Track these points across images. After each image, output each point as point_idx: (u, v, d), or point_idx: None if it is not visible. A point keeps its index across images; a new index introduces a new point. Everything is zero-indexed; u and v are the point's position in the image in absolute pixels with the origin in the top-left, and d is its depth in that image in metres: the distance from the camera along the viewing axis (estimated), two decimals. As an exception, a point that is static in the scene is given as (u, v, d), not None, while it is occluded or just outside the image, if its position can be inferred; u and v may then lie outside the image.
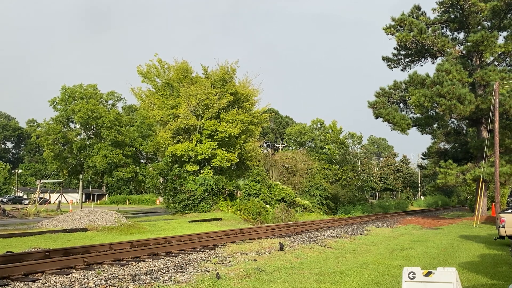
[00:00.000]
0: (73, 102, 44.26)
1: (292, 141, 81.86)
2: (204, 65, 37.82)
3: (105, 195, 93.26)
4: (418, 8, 36.79)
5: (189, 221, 26.35)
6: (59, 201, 45.39)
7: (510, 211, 16.52)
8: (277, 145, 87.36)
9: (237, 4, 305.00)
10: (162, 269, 10.46)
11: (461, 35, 37.63)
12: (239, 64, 37.72)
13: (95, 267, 10.72)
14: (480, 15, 33.82)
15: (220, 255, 12.93)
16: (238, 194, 38.52)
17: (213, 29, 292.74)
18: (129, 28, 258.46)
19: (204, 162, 34.74)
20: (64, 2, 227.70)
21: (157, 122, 37.62)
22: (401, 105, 37.78)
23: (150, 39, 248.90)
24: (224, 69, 36.43)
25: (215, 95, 34.27)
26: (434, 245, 16.14)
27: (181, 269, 10.59)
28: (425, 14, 36.96)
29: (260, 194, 35.62)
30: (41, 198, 48.96)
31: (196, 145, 34.11)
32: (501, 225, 15.05)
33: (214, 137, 34.21)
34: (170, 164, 35.43)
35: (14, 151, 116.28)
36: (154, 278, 9.49)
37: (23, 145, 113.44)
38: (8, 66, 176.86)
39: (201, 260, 11.91)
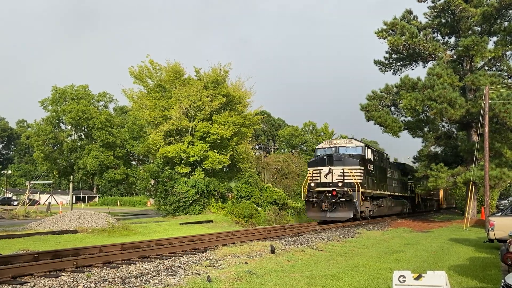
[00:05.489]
0: (64, 103, 43.94)
1: (284, 143, 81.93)
2: (196, 66, 37.68)
3: (96, 196, 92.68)
4: (410, 12, 37.04)
5: (180, 223, 26.25)
6: (49, 203, 45.04)
7: (499, 214, 16.68)
8: (269, 148, 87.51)
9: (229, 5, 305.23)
10: (153, 272, 10.39)
11: (452, 40, 37.96)
12: (231, 66, 37.67)
13: (85, 269, 10.62)
14: (471, 20, 34.12)
15: (211, 257, 12.87)
16: (230, 196, 38.46)
17: (200, 31, 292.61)
18: (117, 29, 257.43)
19: (195, 164, 34.63)
20: (54, 3, 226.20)
21: (149, 124, 37.45)
22: (393, 108, 37.93)
23: (137, 40, 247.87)
24: (217, 71, 36.37)
25: (208, 97, 34.20)
26: (424, 248, 16.21)
27: (171, 272, 10.53)
28: (417, 18, 37.22)
29: (251, 196, 35.59)
30: (30, 200, 48.54)
31: (187, 147, 34.00)
32: (490, 228, 15.16)
33: (206, 139, 34.13)
34: (161, 166, 35.31)
35: (4, 152, 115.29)
36: (145, 281, 9.43)
37: (12, 146, 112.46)
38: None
39: (192, 263, 11.85)
